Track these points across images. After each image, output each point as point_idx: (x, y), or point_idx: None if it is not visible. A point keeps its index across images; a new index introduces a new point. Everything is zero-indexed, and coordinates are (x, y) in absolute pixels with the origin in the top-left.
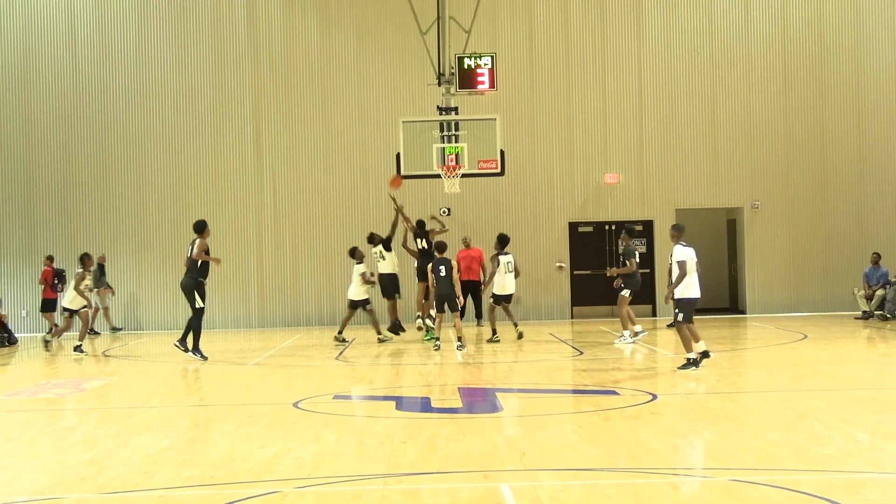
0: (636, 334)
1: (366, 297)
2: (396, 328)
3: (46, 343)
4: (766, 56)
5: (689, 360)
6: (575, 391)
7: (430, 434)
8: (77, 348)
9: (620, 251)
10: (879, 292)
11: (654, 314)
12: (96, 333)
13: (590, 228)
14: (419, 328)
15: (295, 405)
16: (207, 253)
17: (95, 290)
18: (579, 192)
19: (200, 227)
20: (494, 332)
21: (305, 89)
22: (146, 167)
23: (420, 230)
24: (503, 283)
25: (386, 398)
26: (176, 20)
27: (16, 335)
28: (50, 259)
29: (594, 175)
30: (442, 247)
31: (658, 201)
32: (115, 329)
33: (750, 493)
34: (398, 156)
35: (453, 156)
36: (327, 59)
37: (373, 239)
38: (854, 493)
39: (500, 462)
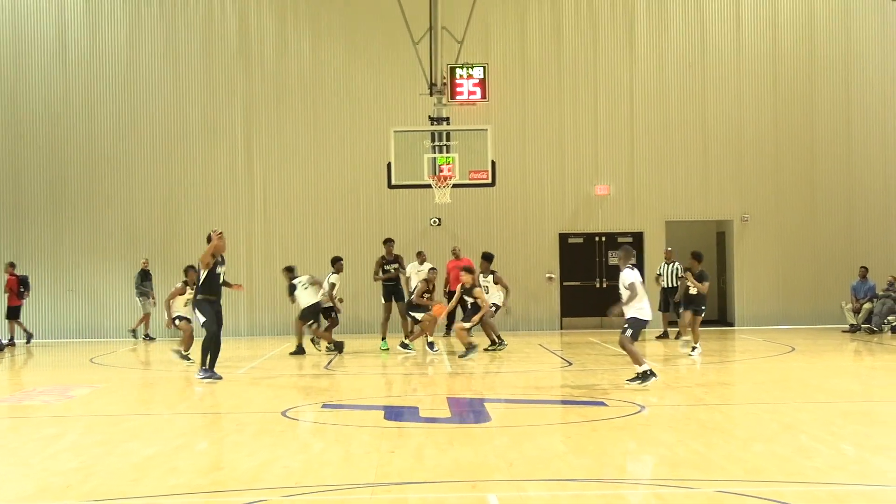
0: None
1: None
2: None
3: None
4: (757, 70)
5: (639, 373)
6: (563, 402)
7: (417, 443)
8: (184, 357)
9: (696, 273)
10: (867, 306)
11: None
12: (151, 339)
13: (580, 240)
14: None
15: (283, 414)
16: (212, 267)
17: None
18: (570, 204)
19: (210, 237)
20: (493, 341)
21: (296, 99)
22: (136, 174)
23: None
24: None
25: (374, 407)
26: (167, 30)
27: (3, 341)
28: (11, 266)
29: (584, 186)
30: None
31: (648, 213)
32: (148, 337)
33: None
34: (389, 165)
35: (444, 166)
36: (318, 69)
37: (291, 270)
38: None
39: (488, 472)
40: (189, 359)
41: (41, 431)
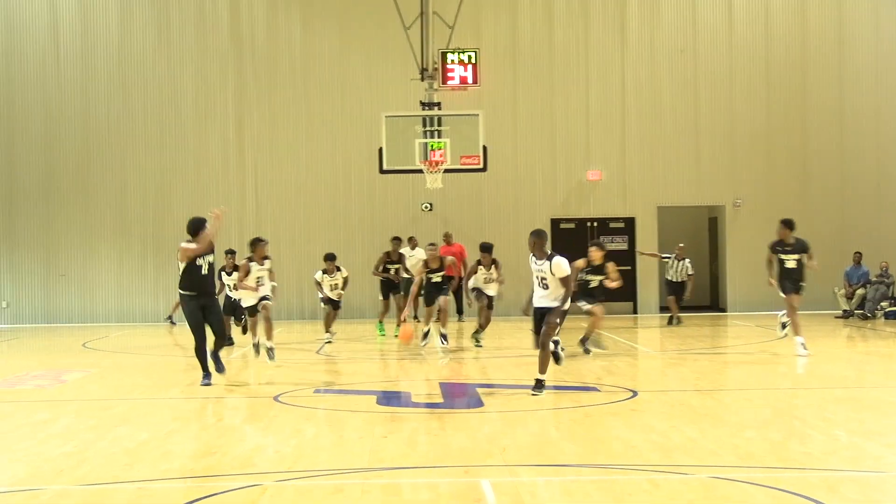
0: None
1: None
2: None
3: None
4: (749, 55)
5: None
6: (556, 387)
7: (410, 429)
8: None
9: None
10: (860, 291)
11: (634, 311)
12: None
13: (571, 225)
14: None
15: (275, 399)
16: (195, 261)
17: None
18: (561, 189)
19: (190, 229)
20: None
21: (288, 84)
22: (128, 160)
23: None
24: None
25: (366, 392)
26: (159, 15)
27: None
28: None
29: (576, 171)
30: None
31: (640, 199)
32: (171, 321)
33: (729, 490)
34: (381, 150)
35: (436, 151)
36: (310, 54)
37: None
38: (832, 492)
39: (481, 457)
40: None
41: (33, 416)
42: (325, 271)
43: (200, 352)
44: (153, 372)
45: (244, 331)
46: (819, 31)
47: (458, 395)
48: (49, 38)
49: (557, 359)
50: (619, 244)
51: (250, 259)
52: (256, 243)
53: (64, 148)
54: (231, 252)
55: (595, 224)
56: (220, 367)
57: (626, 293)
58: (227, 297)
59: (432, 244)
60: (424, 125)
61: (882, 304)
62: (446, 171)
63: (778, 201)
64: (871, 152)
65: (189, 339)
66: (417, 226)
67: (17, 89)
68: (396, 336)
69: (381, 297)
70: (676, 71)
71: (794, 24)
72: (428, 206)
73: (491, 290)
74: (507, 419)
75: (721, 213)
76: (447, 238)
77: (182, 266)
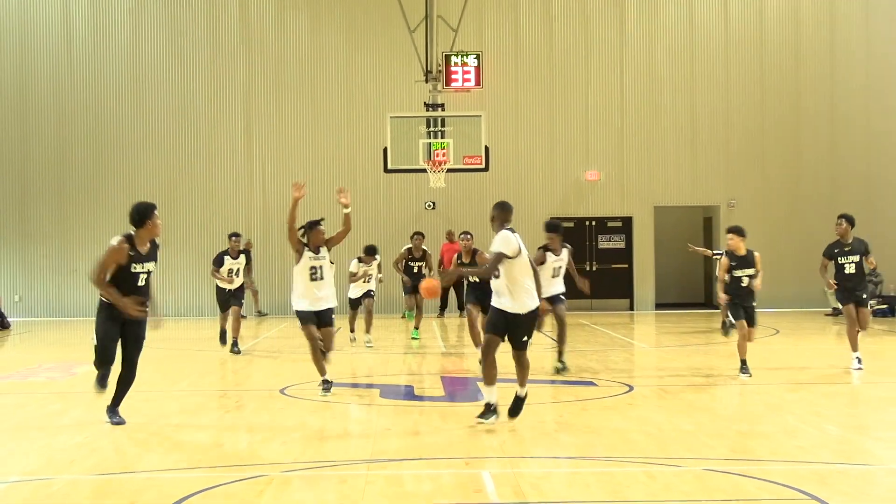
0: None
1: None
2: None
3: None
4: (744, 59)
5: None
6: (553, 382)
7: (413, 421)
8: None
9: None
10: None
11: (631, 308)
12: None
13: (570, 224)
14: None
15: (282, 392)
16: (131, 266)
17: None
18: (560, 189)
19: (134, 217)
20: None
21: (295, 83)
22: (141, 157)
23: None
24: None
25: (370, 386)
26: (171, 15)
27: (8, 320)
28: None
29: (575, 172)
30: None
31: (637, 198)
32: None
33: (722, 482)
34: (385, 150)
35: (439, 151)
36: (317, 54)
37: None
38: (823, 484)
39: (482, 450)
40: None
41: (46, 407)
42: (360, 259)
43: (103, 379)
44: (162, 365)
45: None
46: (812, 36)
47: (458, 389)
48: (62, 38)
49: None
50: (617, 242)
51: (306, 245)
52: (312, 227)
53: (76, 145)
54: (236, 235)
55: (593, 223)
56: (113, 414)
57: (624, 289)
58: (221, 289)
59: (418, 233)
60: (428, 126)
61: (871, 302)
62: (449, 170)
63: (771, 202)
64: (861, 155)
65: (196, 332)
66: (421, 224)
67: (30, 88)
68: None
69: (404, 294)
70: (674, 73)
71: (788, 27)
72: (431, 204)
73: (559, 286)
74: (507, 412)
75: (716, 213)
76: (449, 236)
77: (109, 272)
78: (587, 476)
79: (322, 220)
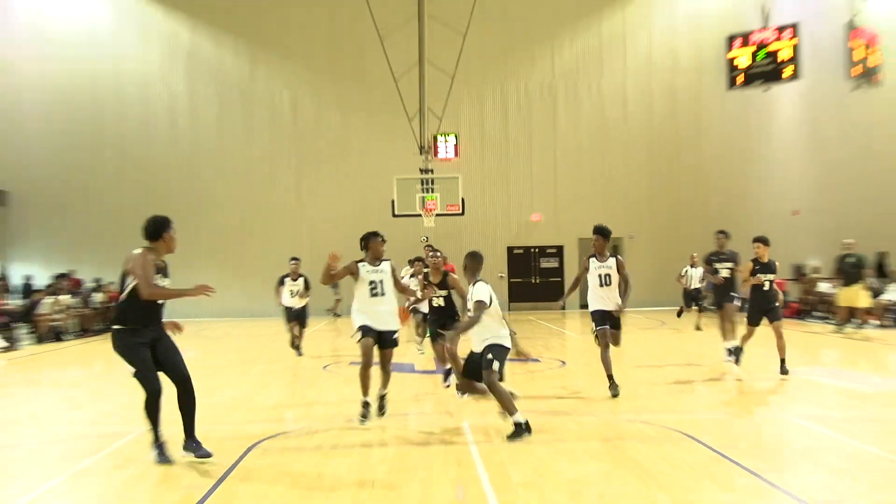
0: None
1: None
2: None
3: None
4: (638, 134)
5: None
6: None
7: (414, 388)
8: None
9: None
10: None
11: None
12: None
13: (521, 251)
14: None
15: (324, 368)
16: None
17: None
18: (514, 226)
19: (150, 230)
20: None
21: (330, 155)
22: (221, 205)
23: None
24: None
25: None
26: (245, 106)
27: None
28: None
29: (524, 215)
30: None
31: (566, 232)
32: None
33: (627, 428)
34: (393, 202)
35: (430, 202)
36: (345, 137)
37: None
38: (699, 429)
39: (461, 406)
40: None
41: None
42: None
43: (153, 409)
44: (242, 352)
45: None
46: (685, 111)
47: (443, 367)
48: (168, 118)
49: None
50: (553, 263)
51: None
52: (371, 238)
53: (178, 195)
54: (295, 259)
55: (536, 250)
56: (195, 447)
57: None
58: (289, 308)
59: (430, 248)
60: (422, 184)
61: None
62: (437, 215)
63: (657, 236)
64: (721, 195)
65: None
66: (418, 253)
67: (154, 152)
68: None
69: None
70: (592, 143)
71: (667, 108)
72: (425, 238)
73: (611, 297)
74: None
75: (620, 242)
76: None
77: (130, 286)
78: (533, 422)
79: (379, 233)
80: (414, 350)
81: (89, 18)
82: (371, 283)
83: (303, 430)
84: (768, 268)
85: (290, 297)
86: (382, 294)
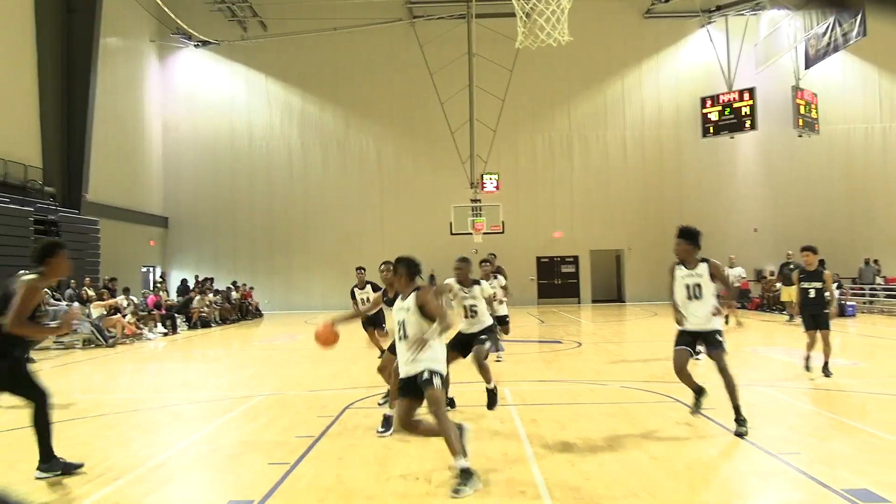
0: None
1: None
2: None
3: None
4: (636, 172)
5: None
6: (538, 341)
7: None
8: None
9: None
10: None
11: (578, 303)
12: None
13: (546, 260)
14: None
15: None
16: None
17: None
18: (542, 242)
19: (37, 256)
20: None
21: (405, 189)
22: (324, 229)
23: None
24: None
25: None
26: (341, 152)
27: (262, 311)
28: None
29: (548, 232)
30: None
31: (580, 245)
32: None
33: (632, 393)
34: (450, 224)
35: (478, 223)
36: (416, 175)
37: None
38: (683, 393)
39: (500, 377)
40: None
41: (280, 357)
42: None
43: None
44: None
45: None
46: (671, 160)
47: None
48: (287, 161)
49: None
50: (571, 268)
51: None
52: (463, 264)
53: (295, 219)
54: (361, 269)
55: (558, 259)
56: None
57: (574, 293)
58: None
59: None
60: (472, 211)
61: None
62: (484, 234)
63: (649, 247)
64: (698, 221)
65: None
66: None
67: (276, 187)
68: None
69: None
70: (599, 179)
71: (655, 151)
72: (475, 250)
73: (703, 311)
74: (511, 359)
75: (622, 253)
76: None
77: (14, 315)
78: (557, 387)
79: (467, 259)
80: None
81: (230, 90)
82: (465, 308)
83: (350, 392)
84: (814, 275)
85: (362, 304)
86: (474, 315)
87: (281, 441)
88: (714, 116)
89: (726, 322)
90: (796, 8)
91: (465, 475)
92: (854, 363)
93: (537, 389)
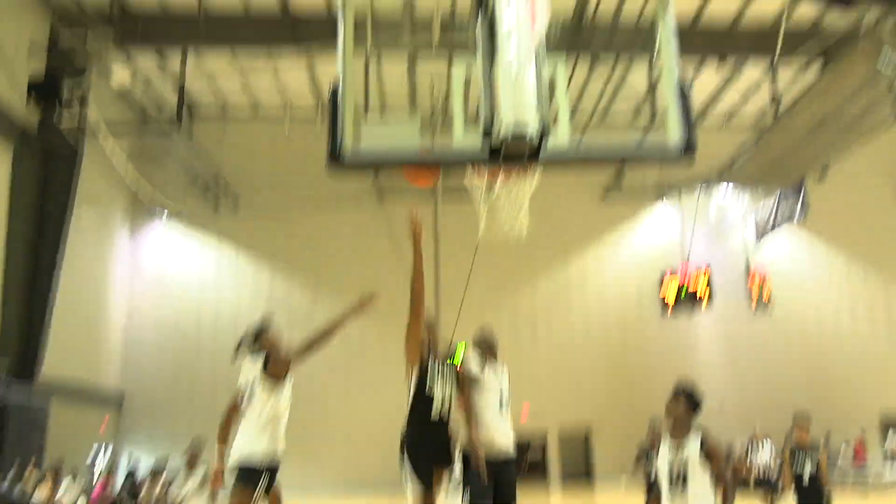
0: None
1: None
2: None
3: None
4: (607, 336)
5: None
6: None
7: None
8: None
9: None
10: None
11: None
12: None
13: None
14: None
15: None
16: None
17: None
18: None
19: None
20: None
21: (369, 366)
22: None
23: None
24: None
25: None
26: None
27: None
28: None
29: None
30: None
31: (548, 419)
32: None
33: None
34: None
35: None
36: (382, 351)
37: None
38: None
39: None
40: None
41: None
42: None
43: None
44: None
45: None
46: (633, 333)
47: None
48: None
49: None
50: (538, 456)
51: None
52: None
53: None
54: None
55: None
56: None
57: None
58: None
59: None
60: None
61: None
62: None
63: (617, 420)
64: (662, 396)
65: None
66: None
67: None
68: None
69: None
70: (564, 357)
71: (619, 333)
72: None
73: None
74: None
75: (590, 428)
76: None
77: None
78: None
79: None
80: None
81: (200, 268)
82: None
83: None
84: (811, 454)
85: None
86: (503, 406)
87: None
88: (672, 298)
89: None
90: (743, 186)
91: None
92: None
93: None
